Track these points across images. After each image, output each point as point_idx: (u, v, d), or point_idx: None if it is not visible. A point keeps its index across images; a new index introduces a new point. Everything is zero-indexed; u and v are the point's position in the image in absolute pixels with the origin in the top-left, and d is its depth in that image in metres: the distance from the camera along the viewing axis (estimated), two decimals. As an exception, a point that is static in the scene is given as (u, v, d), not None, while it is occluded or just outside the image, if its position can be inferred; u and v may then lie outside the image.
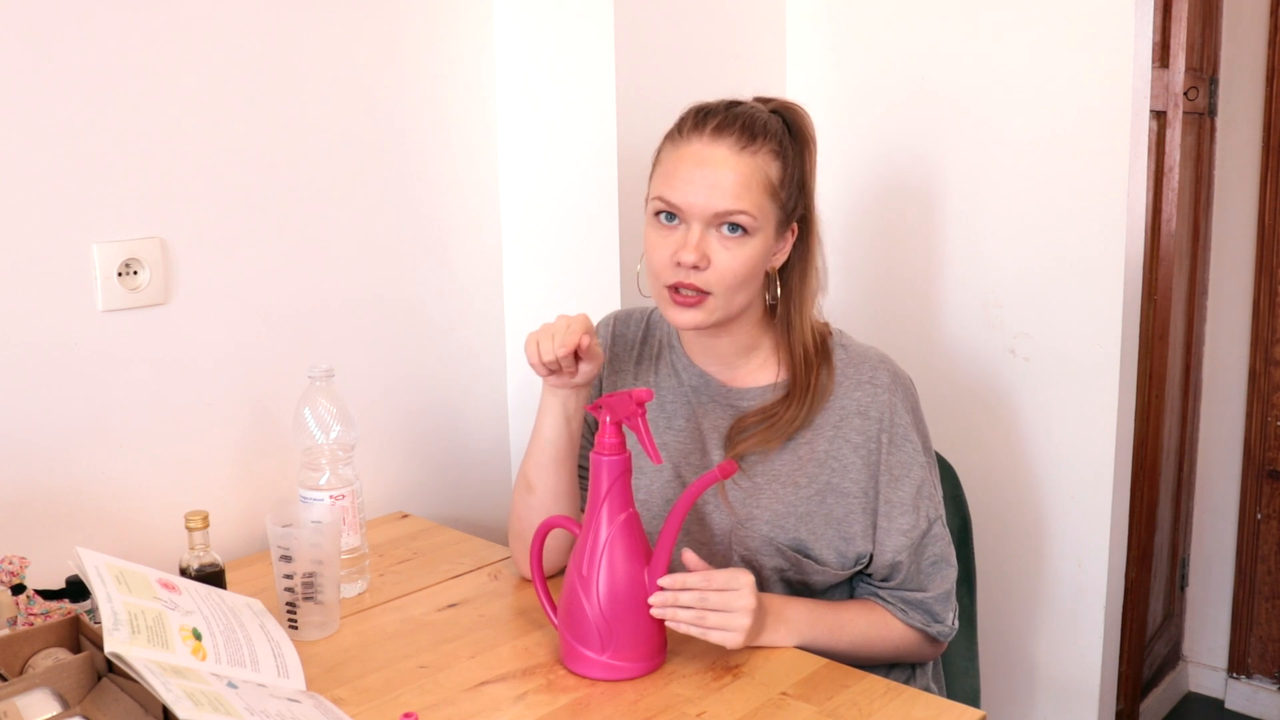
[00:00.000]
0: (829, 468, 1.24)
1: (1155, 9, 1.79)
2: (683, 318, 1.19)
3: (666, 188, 1.19)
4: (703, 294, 1.18)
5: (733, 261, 1.17)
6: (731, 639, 1.12)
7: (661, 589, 1.12)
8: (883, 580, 1.26)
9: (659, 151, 1.24)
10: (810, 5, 1.92)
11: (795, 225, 1.25)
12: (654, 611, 1.12)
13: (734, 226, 1.17)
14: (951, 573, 1.27)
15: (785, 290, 1.27)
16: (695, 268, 1.17)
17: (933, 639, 1.28)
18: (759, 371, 1.29)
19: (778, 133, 1.21)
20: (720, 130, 1.18)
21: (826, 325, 1.30)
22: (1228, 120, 2.45)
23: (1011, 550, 1.83)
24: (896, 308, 1.90)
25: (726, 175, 1.16)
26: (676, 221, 1.19)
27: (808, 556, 1.24)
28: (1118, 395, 1.69)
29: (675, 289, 1.19)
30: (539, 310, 1.81)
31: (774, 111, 1.23)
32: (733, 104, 1.22)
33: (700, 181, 1.17)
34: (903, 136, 1.86)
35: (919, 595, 1.25)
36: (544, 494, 1.29)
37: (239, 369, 1.53)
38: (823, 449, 1.24)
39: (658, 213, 1.20)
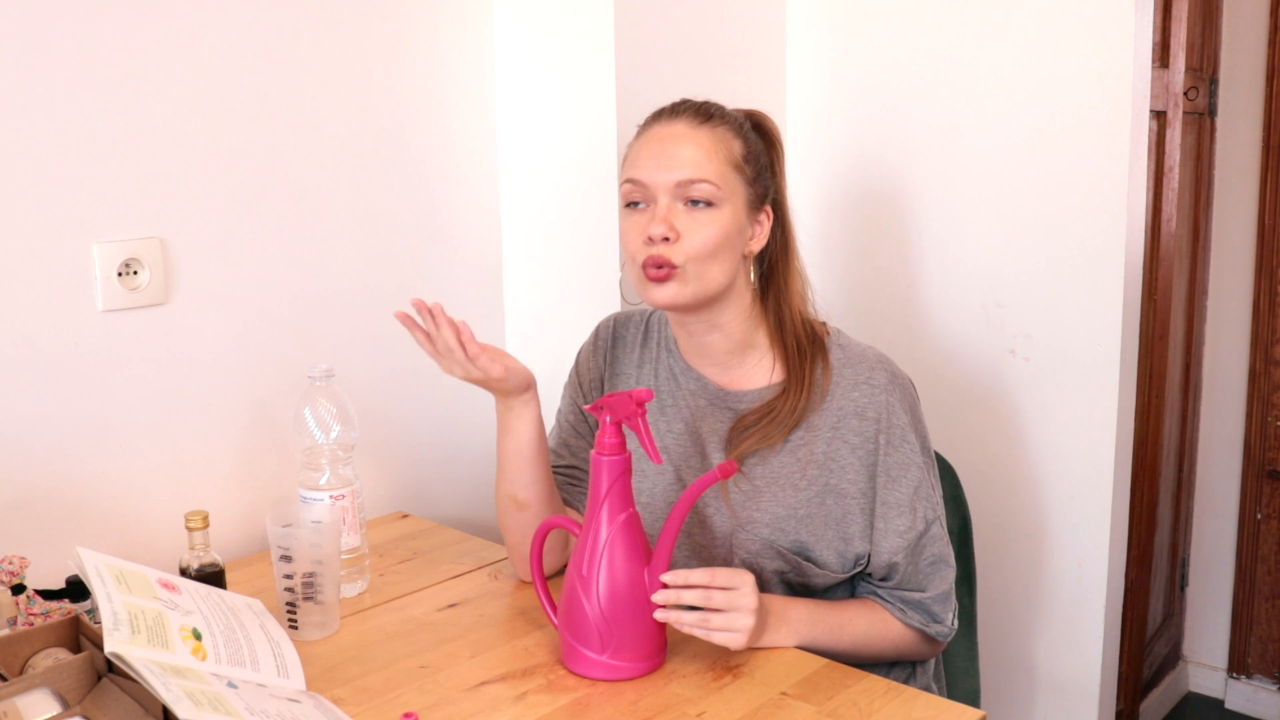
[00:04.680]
0: (828, 469, 1.24)
1: (1155, 9, 1.79)
2: (659, 293, 1.21)
3: (631, 169, 1.23)
4: (672, 266, 1.19)
5: (700, 232, 1.19)
6: (735, 639, 1.12)
7: (664, 586, 1.12)
8: (881, 580, 1.26)
9: (625, 153, 1.28)
10: (810, 5, 1.92)
11: (770, 209, 1.26)
12: (658, 614, 1.12)
13: (697, 200, 1.20)
14: (950, 573, 1.26)
15: (772, 281, 1.28)
16: (665, 239, 1.18)
17: (931, 639, 1.28)
18: (755, 372, 1.29)
19: (736, 118, 1.25)
20: (676, 111, 1.24)
21: (824, 324, 1.30)
22: (1228, 120, 2.45)
23: (1011, 550, 1.83)
24: (897, 307, 1.90)
25: (686, 147, 1.20)
26: (644, 206, 1.22)
27: (808, 559, 1.24)
28: (1118, 395, 1.69)
29: (647, 266, 1.20)
30: (539, 310, 1.81)
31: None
32: (686, 98, 1.27)
33: (661, 155, 1.21)
34: (902, 136, 1.86)
35: (918, 595, 1.25)
36: (538, 505, 1.29)
37: (239, 369, 1.53)
38: (821, 450, 1.24)
39: (628, 203, 1.23)
